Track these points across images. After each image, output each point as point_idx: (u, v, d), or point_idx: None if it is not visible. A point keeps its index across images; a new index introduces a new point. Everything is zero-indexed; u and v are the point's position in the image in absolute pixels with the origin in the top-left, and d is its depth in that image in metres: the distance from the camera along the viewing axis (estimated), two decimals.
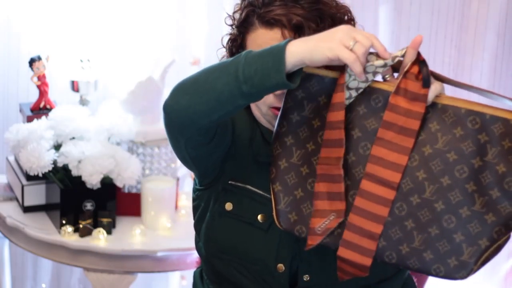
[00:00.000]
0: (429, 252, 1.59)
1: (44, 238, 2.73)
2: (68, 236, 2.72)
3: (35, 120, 2.81)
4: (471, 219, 1.57)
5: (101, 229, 2.72)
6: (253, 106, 1.79)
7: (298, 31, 1.69)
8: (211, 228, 1.84)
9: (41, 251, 2.77)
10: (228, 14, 1.81)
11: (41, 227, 2.77)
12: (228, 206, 1.82)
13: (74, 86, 2.94)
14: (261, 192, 1.80)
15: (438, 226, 1.57)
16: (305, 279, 1.80)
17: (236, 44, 1.78)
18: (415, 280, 2.04)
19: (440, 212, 1.57)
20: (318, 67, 1.63)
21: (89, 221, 2.73)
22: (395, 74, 1.62)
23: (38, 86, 2.92)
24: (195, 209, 1.89)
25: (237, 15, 1.79)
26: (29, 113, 2.91)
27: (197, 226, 1.89)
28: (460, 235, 1.57)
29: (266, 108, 1.75)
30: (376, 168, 1.59)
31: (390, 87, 1.60)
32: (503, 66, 3.15)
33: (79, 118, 2.79)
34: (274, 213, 1.68)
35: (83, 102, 2.94)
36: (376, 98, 1.61)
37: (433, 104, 1.58)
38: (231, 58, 1.61)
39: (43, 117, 2.82)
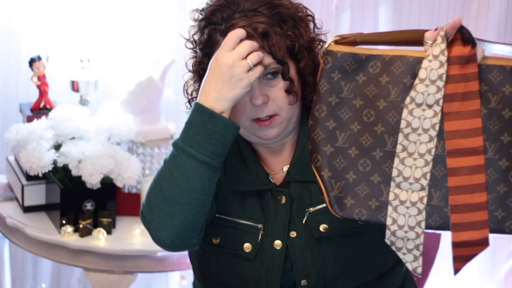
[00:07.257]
0: (501, 211, 1.60)
1: (44, 238, 2.72)
2: (68, 236, 2.71)
3: (35, 120, 2.81)
4: None
5: (101, 229, 2.72)
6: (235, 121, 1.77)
7: (265, 38, 1.69)
8: (202, 262, 1.85)
9: (41, 251, 2.77)
10: (185, 38, 1.78)
11: (41, 227, 2.77)
12: (215, 239, 1.82)
13: (74, 86, 2.94)
14: (243, 221, 1.80)
15: (506, 183, 1.59)
16: (302, 284, 1.80)
17: (203, 66, 1.75)
18: (414, 279, 2.04)
19: (505, 169, 1.59)
20: (350, 45, 1.64)
21: (89, 221, 2.73)
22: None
23: (38, 86, 2.91)
24: None
25: (196, 37, 1.77)
26: (29, 113, 2.91)
27: (190, 259, 1.90)
28: None
29: (248, 122, 1.74)
30: (456, 142, 1.59)
31: None
32: None
33: (79, 118, 2.79)
34: (327, 201, 1.65)
35: (83, 102, 2.94)
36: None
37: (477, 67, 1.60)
38: (169, 164, 1.68)
39: (43, 117, 2.82)
